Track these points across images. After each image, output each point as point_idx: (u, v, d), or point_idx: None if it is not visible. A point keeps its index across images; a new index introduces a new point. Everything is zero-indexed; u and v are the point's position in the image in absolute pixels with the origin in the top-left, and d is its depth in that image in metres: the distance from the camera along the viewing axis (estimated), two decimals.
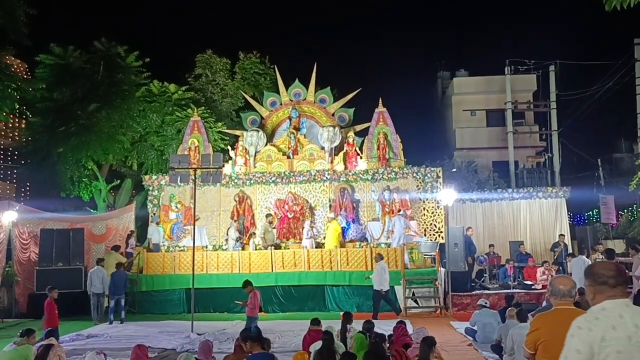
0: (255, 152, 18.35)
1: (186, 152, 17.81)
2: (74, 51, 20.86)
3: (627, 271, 10.80)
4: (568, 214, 19.24)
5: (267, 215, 17.04)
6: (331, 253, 15.64)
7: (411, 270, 15.32)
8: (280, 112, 19.58)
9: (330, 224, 16.56)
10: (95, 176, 21.84)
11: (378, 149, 17.94)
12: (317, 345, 6.91)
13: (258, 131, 18.52)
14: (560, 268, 15.56)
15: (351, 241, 16.81)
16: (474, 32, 51.51)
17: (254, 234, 17.01)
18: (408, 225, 15.92)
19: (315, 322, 8.53)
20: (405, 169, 17.41)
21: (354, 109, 19.66)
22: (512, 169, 26.29)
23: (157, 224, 17.33)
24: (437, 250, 15.66)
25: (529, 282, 15.13)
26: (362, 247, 15.97)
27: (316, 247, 16.19)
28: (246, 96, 22.17)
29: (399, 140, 18.13)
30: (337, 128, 18.32)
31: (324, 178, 17.53)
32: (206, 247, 16.73)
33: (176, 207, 17.72)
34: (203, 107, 21.94)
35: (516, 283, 15.45)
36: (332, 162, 17.93)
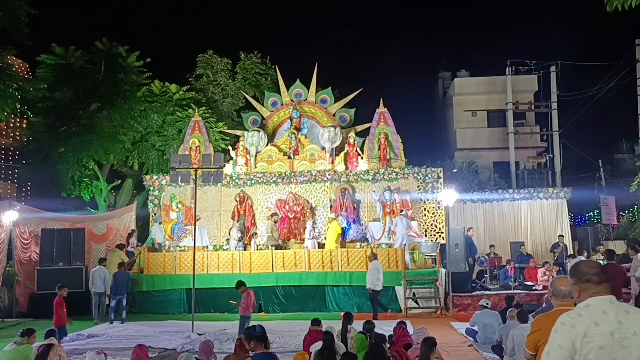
0: (257, 153, 18.36)
1: (187, 153, 17.81)
2: (75, 51, 20.88)
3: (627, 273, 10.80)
4: (569, 215, 19.23)
5: (273, 215, 17.02)
6: (332, 254, 15.64)
7: (412, 271, 15.31)
8: (281, 113, 19.59)
9: (331, 224, 16.55)
10: (97, 176, 21.86)
11: (379, 149, 17.93)
12: (318, 345, 6.90)
13: (259, 131, 18.52)
14: (561, 269, 15.55)
15: (352, 242, 16.81)
16: (475, 33, 51.53)
17: (256, 234, 17.01)
18: (410, 226, 15.91)
19: (316, 322, 8.53)
20: (406, 169, 17.40)
21: (355, 109, 19.65)
22: (513, 170, 26.28)
23: (161, 223, 17.34)
24: (438, 251, 15.66)
25: (530, 283, 15.12)
26: (363, 247, 15.96)
27: (318, 248, 16.18)
28: (247, 96, 22.18)
29: (400, 141, 18.13)
30: (338, 128, 18.31)
31: (325, 178, 17.53)
32: (207, 248, 16.73)
33: (177, 207, 17.73)
34: (204, 108, 21.96)
35: (517, 284, 15.44)
36: (333, 162, 17.93)
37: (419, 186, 17.31)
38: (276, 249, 16.13)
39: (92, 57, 21.20)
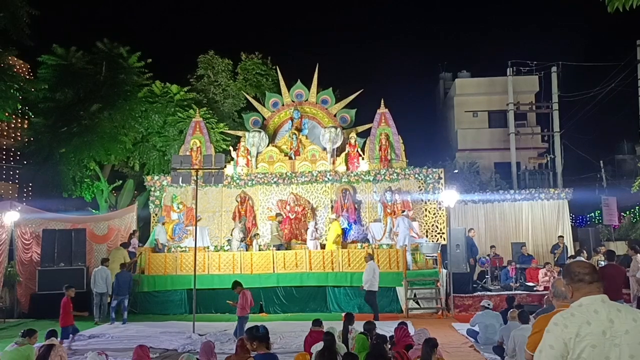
0: (257, 153, 18.36)
1: (188, 153, 17.82)
2: (76, 52, 20.88)
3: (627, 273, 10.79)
4: (570, 216, 19.22)
5: (278, 215, 17.02)
6: (333, 254, 15.63)
7: (413, 272, 15.30)
8: (282, 113, 19.60)
9: (332, 224, 16.55)
10: (97, 176, 21.87)
11: (380, 150, 17.93)
12: (319, 346, 6.91)
13: (260, 132, 18.53)
14: (562, 270, 15.52)
15: (353, 242, 16.81)
16: (476, 33, 51.51)
17: (258, 234, 17.01)
18: (411, 226, 15.91)
19: (317, 323, 8.53)
20: (407, 170, 17.40)
21: (355, 109, 19.66)
22: (514, 170, 26.27)
23: (164, 224, 17.34)
24: (439, 252, 15.65)
25: (530, 284, 15.11)
26: (364, 248, 15.95)
27: (320, 249, 16.16)
28: (248, 97, 22.19)
29: (401, 141, 18.13)
30: (339, 129, 18.32)
31: (326, 179, 17.53)
32: (208, 248, 16.74)
33: (178, 207, 17.73)
34: (205, 108, 21.97)
35: (518, 284, 15.43)
36: (333, 163, 17.93)
37: (419, 187, 17.31)
38: (279, 249, 16.11)
39: (93, 57, 21.21)
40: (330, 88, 19.93)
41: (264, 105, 20.15)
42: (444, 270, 15.23)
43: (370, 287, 13.60)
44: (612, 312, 2.69)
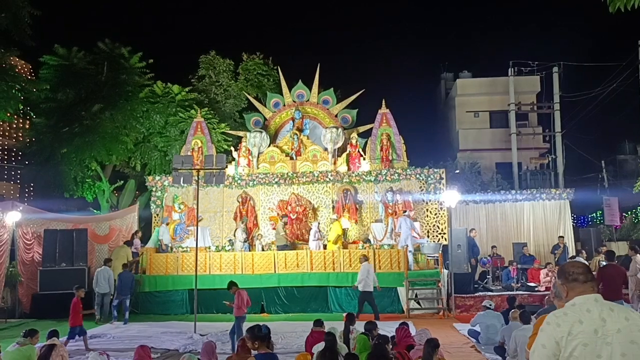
0: (259, 153, 18.36)
1: (189, 153, 17.83)
2: (77, 52, 20.93)
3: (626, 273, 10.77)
4: (572, 216, 19.20)
5: (283, 216, 17.01)
6: (334, 254, 15.63)
7: (414, 272, 15.28)
8: (283, 113, 19.60)
9: (333, 225, 16.56)
10: (99, 177, 21.90)
11: (381, 150, 17.93)
12: (320, 346, 6.91)
13: (261, 132, 18.53)
14: (557, 270, 15.49)
15: (354, 242, 16.80)
16: (477, 34, 51.48)
17: (261, 234, 17.01)
18: (413, 226, 15.90)
19: (318, 323, 8.53)
20: (408, 170, 17.40)
21: (357, 110, 19.67)
22: (516, 171, 26.25)
23: (168, 224, 17.33)
24: (440, 252, 15.64)
25: (532, 284, 15.09)
26: (365, 248, 15.94)
27: (323, 249, 16.14)
28: (249, 97, 22.20)
29: (402, 142, 18.13)
30: (340, 129, 18.32)
31: (327, 179, 17.53)
32: (209, 248, 16.74)
33: (179, 207, 17.74)
34: (206, 108, 21.99)
35: (519, 285, 15.42)
36: (335, 163, 17.93)
37: (421, 187, 17.31)
38: (283, 250, 16.09)
39: (95, 57, 21.24)
40: (332, 88, 19.94)
41: (265, 106, 20.15)
42: (445, 271, 15.22)
43: (364, 288, 13.62)
44: (604, 311, 2.71)
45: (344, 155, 18.04)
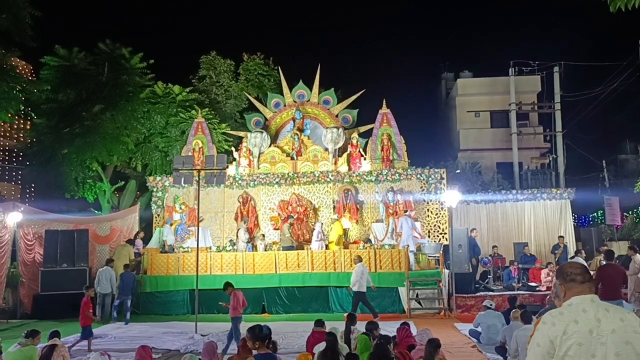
0: (259, 154, 18.37)
1: (190, 154, 17.84)
2: (78, 53, 20.95)
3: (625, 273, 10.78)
4: (572, 216, 19.19)
5: (289, 217, 17.01)
6: (335, 254, 15.64)
7: (415, 272, 15.28)
8: (284, 114, 19.61)
9: (334, 225, 16.57)
10: (100, 177, 21.91)
11: (382, 150, 17.93)
12: (321, 346, 6.91)
13: (262, 132, 18.54)
14: (556, 270, 15.46)
15: (355, 242, 16.80)
16: (477, 34, 51.47)
17: (263, 235, 17.00)
18: (414, 226, 15.89)
19: (319, 323, 8.54)
20: (409, 170, 17.40)
21: (357, 110, 19.68)
22: (516, 170, 26.22)
23: (171, 225, 17.32)
24: (441, 252, 15.63)
25: (533, 284, 15.08)
26: (366, 248, 15.95)
27: (326, 250, 16.12)
28: (250, 97, 22.21)
29: (403, 142, 18.14)
30: (340, 129, 18.33)
31: (328, 179, 17.54)
32: (210, 249, 16.75)
33: (180, 208, 17.75)
34: (207, 109, 22.00)
35: (520, 285, 15.41)
36: (335, 163, 17.93)
37: (421, 187, 17.31)
38: (286, 250, 16.09)
39: (95, 58, 21.26)
40: (332, 88, 19.96)
41: (265, 106, 20.16)
42: (446, 271, 15.21)
43: (359, 289, 13.63)
44: (600, 311, 2.75)
45: (345, 155, 18.05)
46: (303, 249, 16.22)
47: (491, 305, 10.69)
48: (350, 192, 17.40)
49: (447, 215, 16.71)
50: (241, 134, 20.25)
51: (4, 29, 16.61)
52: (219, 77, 25.31)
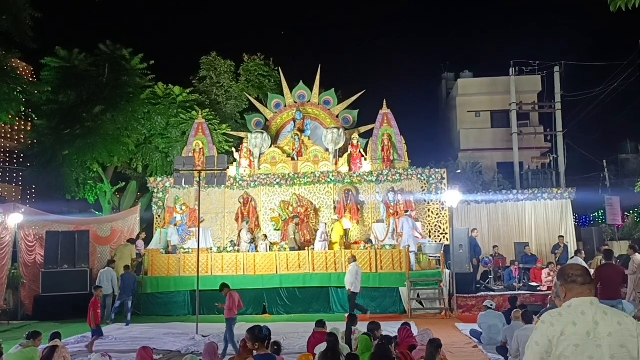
0: (260, 154, 18.38)
1: (191, 154, 17.85)
2: (79, 54, 20.96)
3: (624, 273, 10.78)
4: (573, 216, 19.17)
5: (294, 217, 17.00)
6: (335, 255, 15.63)
7: (416, 272, 15.28)
8: (284, 114, 19.62)
9: (334, 225, 16.57)
10: (101, 178, 21.91)
11: (382, 150, 17.94)
12: (322, 346, 6.91)
13: (262, 133, 18.55)
14: (558, 271, 15.44)
15: (356, 243, 16.79)
16: (478, 33, 51.47)
17: (265, 235, 17.00)
18: (415, 226, 15.89)
19: (320, 323, 8.53)
20: (409, 170, 17.40)
21: (358, 110, 19.68)
22: (517, 170, 26.21)
23: (175, 225, 17.31)
24: (442, 252, 15.63)
25: (534, 284, 15.08)
26: (367, 248, 15.95)
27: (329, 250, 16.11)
28: (250, 98, 22.22)
29: (404, 142, 18.14)
30: (341, 130, 18.33)
31: (329, 180, 17.54)
32: (211, 249, 16.75)
33: (181, 209, 17.74)
34: (207, 109, 22.00)
35: (521, 285, 15.40)
36: (336, 163, 17.93)
37: (422, 187, 17.31)
38: (292, 251, 16.09)
39: (96, 59, 21.28)
40: (333, 89, 19.96)
41: (266, 107, 20.17)
42: (447, 271, 15.21)
43: (355, 289, 13.65)
44: (598, 314, 2.80)
45: (345, 155, 18.05)
46: (304, 249, 16.22)
47: (492, 305, 10.68)
48: (351, 193, 17.40)
49: (447, 216, 16.70)
50: (242, 134, 20.26)
51: (4, 30, 16.62)
52: (220, 78, 25.32)
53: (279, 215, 17.64)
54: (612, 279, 9.66)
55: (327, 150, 18.20)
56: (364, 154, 18.08)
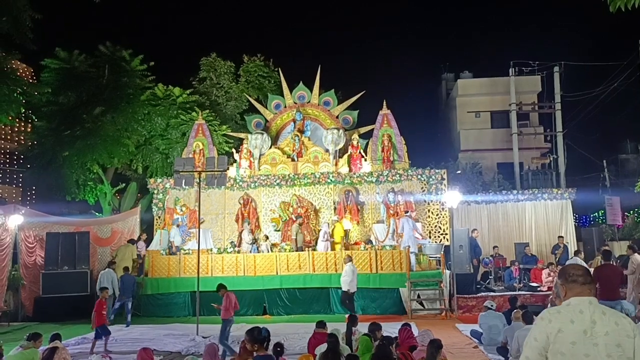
0: (260, 155, 18.38)
1: (191, 155, 17.85)
2: (79, 55, 20.96)
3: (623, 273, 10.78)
4: (573, 216, 19.18)
5: (298, 217, 17.01)
6: (335, 256, 15.63)
7: (416, 273, 15.27)
8: (284, 115, 19.63)
9: (335, 226, 16.56)
10: (101, 179, 21.92)
11: (382, 151, 17.94)
12: (323, 347, 6.91)
13: (262, 134, 18.56)
14: (559, 271, 15.44)
15: (356, 243, 16.79)
16: (478, 34, 51.48)
17: (267, 236, 17.00)
18: (415, 227, 15.89)
19: (321, 324, 8.54)
20: (409, 171, 17.40)
21: (358, 111, 19.68)
22: (517, 171, 26.21)
23: (178, 226, 17.30)
24: (442, 253, 15.63)
25: (534, 284, 15.08)
26: (367, 249, 15.95)
27: (332, 251, 16.10)
28: (250, 99, 22.23)
29: (403, 143, 18.15)
30: (341, 130, 18.33)
31: (329, 180, 17.54)
32: (211, 250, 16.75)
33: (181, 210, 17.75)
34: (207, 110, 22.01)
35: (522, 285, 15.40)
36: (336, 164, 17.94)
37: (422, 187, 17.31)
38: (296, 252, 16.09)
39: (96, 60, 21.28)
40: (333, 89, 19.97)
41: (266, 107, 20.18)
42: (448, 271, 15.21)
43: (352, 289, 13.66)
44: (596, 313, 2.86)
45: (345, 156, 18.06)
46: (304, 250, 16.22)
47: (492, 305, 10.68)
48: (351, 193, 17.40)
49: (448, 216, 16.71)
50: (242, 135, 20.26)
51: (4, 31, 16.61)
52: (220, 79, 25.33)
53: (279, 216, 17.64)
54: (610, 279, 9.67)
55: (327, 151, 18.20)
56: (364, 154, 18.09)
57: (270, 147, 18.65)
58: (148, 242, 17.59)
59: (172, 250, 16.62)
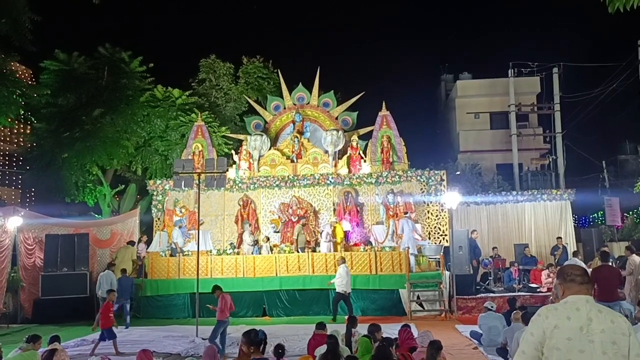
0: (259, 156, 18.38)
1: (190, 157, 17.85)
2: (78, 57, 20.95)
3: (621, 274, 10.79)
4: (573, 217, 19.18)
5: (301, 218, 16.99)
6: (335, 257, 15.61)
7: (416, 274, 15.27)
8: (283, 116, 19.63)
9: (335, 227, 16.55)
10: (100, 181, 21.91)
11: (382, 152, 17.95)
12: (322, 349, 6.91)
13: (262, 135, 18.56)
14: (557, 271, 15.45)
15: (355, 245, 16.79)
16: (477, 35, 51.50)
17: (267, 237, 16.99)
18: (414, 228, 15.89)
19: (320, 326, 8.54)
20: (409, 172, 17.40)
21: (357, 112, 19.67)
22: (516, 172, 26.22)
23: (181, 227, 17.26)
24: (442, 254, 15.63)
25: (534, 285, 15.08)
26: (367, 250, 15.94)
27: (334, 251, 16.09)
28: (250, 100, 22.23)
29: (403, 144, 18.15)
30: (340, 132, 18.34)
31: (328, 182, 17.54)
32: (210, 252, 16.73)
33: (180, 211, 17.73)
34: (207, 112, 22.01)
35: (521, 286, 15.40)
36: (335, 165, 17.94)
37: (422, 189, 17.31)
38: (300, 252, 16.09)
39: (95, 62, 21.26)
40: (332, 91, 19.97)
41: (265, 109, 20.19)
42: (447, 272, 15.20)
43: (343, 289, 13.67)
44: (592, 311, 2.93)
45: (345, 157, 18.06)
46: (304, 251, 16.23)
47: (492, 306, 10.68)
48: (350, 195, 17.40)
49: (447, 217, 16.70)
50: (241, 137, 20.26)
51: (3, 33, 16.63)
52: (219, 80, 25.33)
53: (279, 217, 17.63)
54: (608, 280, 9.68)
55: (326, 152, 18.20)
56: (363, 155, 18.09)
57: (270, 149, 18.65)
58: (148, 243, 17.58)
59: (176, 251, 16.58)
